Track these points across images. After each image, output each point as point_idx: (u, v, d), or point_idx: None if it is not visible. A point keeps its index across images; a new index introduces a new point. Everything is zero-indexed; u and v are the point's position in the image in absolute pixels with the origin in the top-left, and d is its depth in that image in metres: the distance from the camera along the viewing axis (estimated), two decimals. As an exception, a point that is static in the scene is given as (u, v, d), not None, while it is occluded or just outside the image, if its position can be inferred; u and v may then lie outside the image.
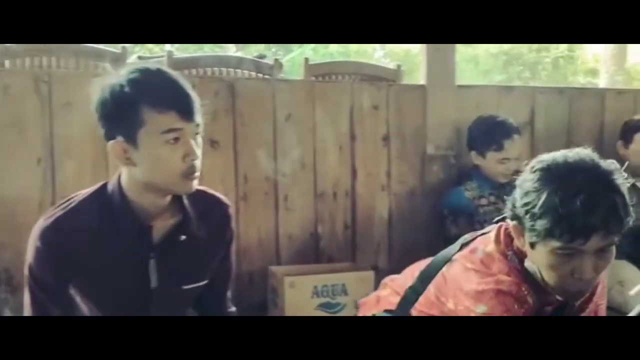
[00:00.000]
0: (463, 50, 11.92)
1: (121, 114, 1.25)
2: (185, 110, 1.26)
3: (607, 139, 3.07)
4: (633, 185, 2.83)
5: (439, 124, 2.81)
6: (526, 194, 1.25)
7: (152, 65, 1.29)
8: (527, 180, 1.27)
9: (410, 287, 1.57)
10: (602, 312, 1.50)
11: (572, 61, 12.15)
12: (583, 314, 1.43)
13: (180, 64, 2.90)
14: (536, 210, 1.22)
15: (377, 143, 2.76)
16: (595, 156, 1.27)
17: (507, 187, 2.62)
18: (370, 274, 2.52)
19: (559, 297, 1.35)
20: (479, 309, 1.31)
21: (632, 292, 1.52)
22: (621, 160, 2.80)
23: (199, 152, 1.30)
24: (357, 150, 2.74)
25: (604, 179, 1.22)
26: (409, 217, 2.81)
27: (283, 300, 2.41)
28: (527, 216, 1.24)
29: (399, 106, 2.78)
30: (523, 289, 1.32)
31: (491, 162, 2.61)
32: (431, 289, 1.47)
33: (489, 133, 2.61)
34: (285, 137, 2.63)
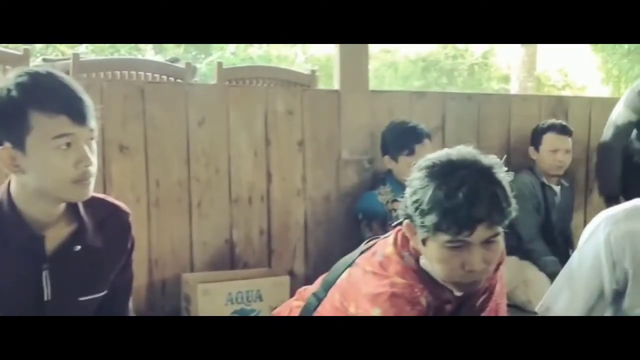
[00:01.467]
0: (382, 57, 12.16)
1: (7, 119, 1.18)
2: (77, 115, 1.20)
3: (513, 143, 3.20)
4: (549, 187, 2.99)
5: (353, 129, 2.84)
6: (414, 192, 1.30)
7: (41, 68, 1.23)
8: (415, 178, 1.31)
9: (313, 294, 1.57)
10: (502, 311, 1.55)
11: (487, 68, 12.63)
12: (484, 313, 1.48)
13: (87, 67, 2.80)
14: (424, 206, 1.26)
15: (292, 148, 2.76)
16: (476, 152, 1.31)
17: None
18: (285, 279, 2.52)
19: (456, 293, 1.38)
20: (374, 312, 1.33)
21: (537, 308, 1.57)
22: (536, 166, 2.96)
23: (93, 158, 1.25)
24: (272, 155, 2.72)
25: (485, 172, 1.27)
26: (325, 222, 2.82)
27: (196, 308, 2.36)
28: (417, 213, 1.29)
29: (313, 111, 2.79)
30: (416, 290, 1.35)
31: (403, 167, 2.64)
32: (336, 295, 1.48)
33: (401, 138, 2.66)
34: (199, 142, 2.59)
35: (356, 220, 2.69)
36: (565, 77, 12.99)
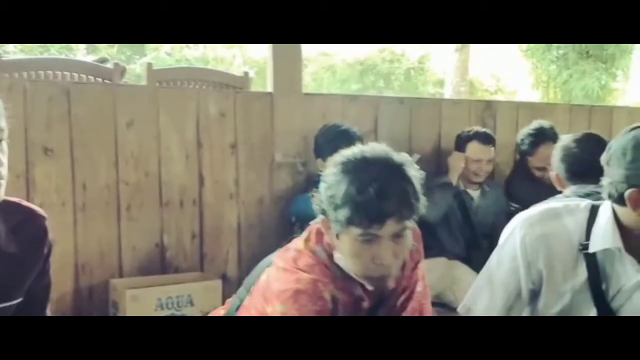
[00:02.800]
0: (321, 60, 12.24)
1: None
2: None
3: (444, 145, 3.26)
4: (465, 192, 3.05)
5: (286, 131, 2.84)
6: (329, 187, 1.32)
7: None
8: (329, 174, 1.34)
9: (236, 294, 1.57)
10: (427, 311, 1.57)
11: (422, 72, 12.87)
12: (405, 313, 1.50)
13: (10, 67, 2.70)
14: (337, 201, 1.29)
15: (225, 151, 2.74)
16: (389, 150, 1.36)
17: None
18: (217, 284, 2.49)
19: (367, 287, 1.40)
20: (279, 308, 1.36)
21: (459, 309, 1.61)
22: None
23: (3, 158, 1.20)
24: (204, 158, 2.70)
25: (396, 169, 1.32)
26: (258, 225, 2.81)
27: (124, 314, 2.30)
28: (331, 208, 1.31)
29: (246, 113, 2.78)
30: (320, 285, 1.37)
31: (336, 169, 2.66)
32: (257, 295, 1.47)
33: (333, 141, 2.66)
34: (127, 144, 2.53)
35: (289, 223, 2.68)
36: (497, 82, 13.39)
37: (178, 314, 2.36)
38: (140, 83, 5.59)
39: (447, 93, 9.33)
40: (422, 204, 1.34)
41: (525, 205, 2.06)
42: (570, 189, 2.04)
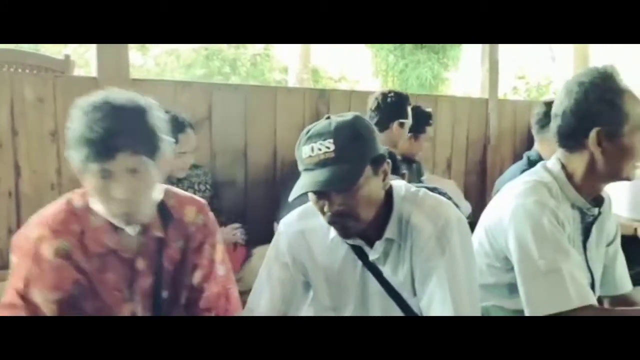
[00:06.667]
0: (164, 45, 11.84)
1: None
2: None
3: (280, 133, 3.30)
4: None
5: (113, 118, 2.71)
6: (71, 130, 1.37)
7: None
8: (72, 118, 1.39)
9: None
10: (234, 297, 1.60)
11: (268, 59, 12.89)
12: (207, 296, 1.53)
13: None
14: (74, 141, 1.35)
15: (44, 138, 2.57)
16: (137, 96, 1.44)
17: (184, 182, 2.68)
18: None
19: (120, 225, 1.43)
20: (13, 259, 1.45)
21: (244, 311, 1.63)
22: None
23: None
24: (20, 147, 2.51)
25: (133, 109, 1.38)
26: (84, 217, 2.66)
27: None
28: (73, 150, 1.36)
29: (68, 99, 2.57)
30: (42, 240, 1.45)
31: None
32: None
33: (163, 128, 2.60)
34: None
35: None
36: (340, 70, 13.76)
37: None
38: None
39: (291, 80, 9.44)
40: (163, 142, 1.40)
41: None
42: None
